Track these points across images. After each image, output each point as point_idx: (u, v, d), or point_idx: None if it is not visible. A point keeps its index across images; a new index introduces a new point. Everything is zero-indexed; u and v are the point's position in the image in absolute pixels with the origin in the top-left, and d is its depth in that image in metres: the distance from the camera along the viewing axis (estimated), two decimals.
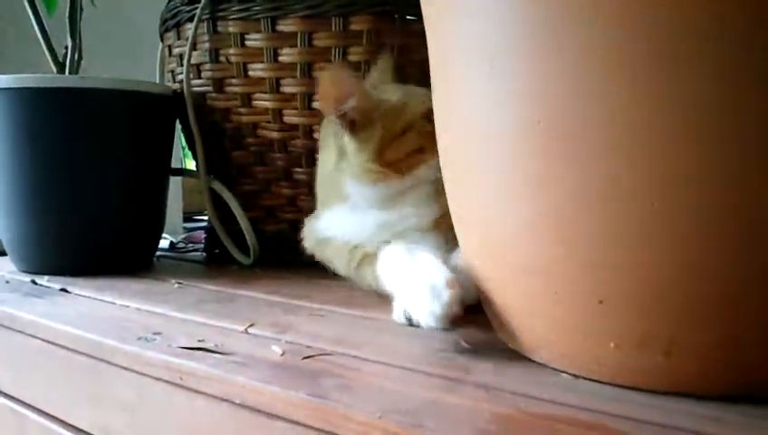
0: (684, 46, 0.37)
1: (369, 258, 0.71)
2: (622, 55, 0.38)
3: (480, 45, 0.46)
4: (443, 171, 0.58)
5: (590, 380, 0.46)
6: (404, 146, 0.73)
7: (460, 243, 0.59)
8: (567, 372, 0.48)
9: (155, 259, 1.04)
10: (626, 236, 0.41)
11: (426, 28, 0.55)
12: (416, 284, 0.55)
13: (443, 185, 0.75)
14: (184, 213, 1.74)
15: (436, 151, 0.64)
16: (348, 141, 0.73)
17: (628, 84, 0.39)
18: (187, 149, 1.36)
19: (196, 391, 0.51)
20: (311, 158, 0.88)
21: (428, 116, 0.70)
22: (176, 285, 0.84)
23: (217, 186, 0.96)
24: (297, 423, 0.45)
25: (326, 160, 0.79)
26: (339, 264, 0.76)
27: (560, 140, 0.42)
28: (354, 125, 0.72)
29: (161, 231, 1.03)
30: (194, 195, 1.99)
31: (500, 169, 0.47)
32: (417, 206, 0.75)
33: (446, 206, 0.74)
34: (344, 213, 0.76)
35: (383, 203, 0.74)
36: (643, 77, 0.38)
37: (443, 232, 0.73)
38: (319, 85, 0.71)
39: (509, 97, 0.44)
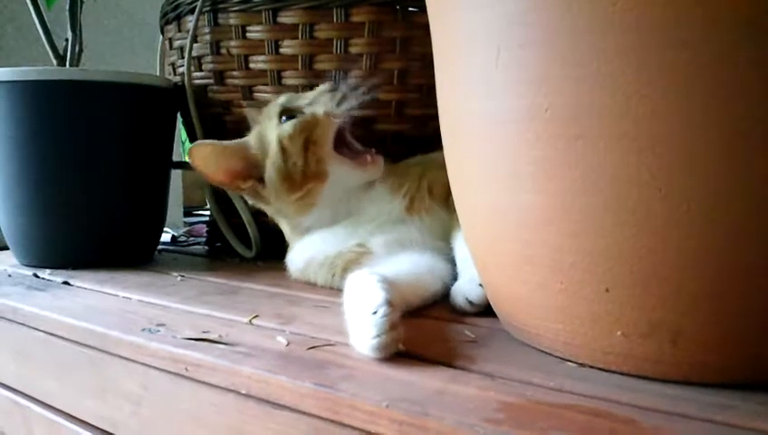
0: (693, 34, 0.37)
1: (352, 264, 0.71)
2: (634, 42, 0.38)
3: (486, 33, 0.45)
4: (446, 161, 0.58)
5: (596, 368, 0.46)
6: (295, 159, 0.75)
7: (464, 232, 0.59)
8: (573, 361, 0.48)
9: (156, 252, 1.04)
10: (633, 224, 0.41)
11: (429, 17, 0.55)
12: (353, 318, 0.53)
13: (405, 170, 0.78)
14: (184, 207, 1.74)
15: (323, 129, 0.73)
16: (267, 194, 0.77)
17: (636, 72, 0.38)
18: (186, 142, 1.36)
19: (202, 382, 0.51)
20: None
21: (283, 114, 0.76)
22: (178, 278, 0.84)
23: None
24: (303, 413, 0.46)
25: (275, 217, 0.83)
26: (321, 278, 0.76)
27: (567, 127, 0.41)
28: (261, 181, 0.77)
29: (163, 224, 1.03)
30: (194, 189, 1.99)
31: (505, 158, 0.47)
32: (379, 201, 0.76)
33: (414, 189, 0.75)
34: (313, 237, 0.78)
35: (341, 211, 0.77)
36: (654, 64, 0.38)
37: (417, 215, 0.74)
38: (197, 168, 0.76)
39: (516, 85, 0.44)
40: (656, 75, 0.38)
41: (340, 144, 0.77)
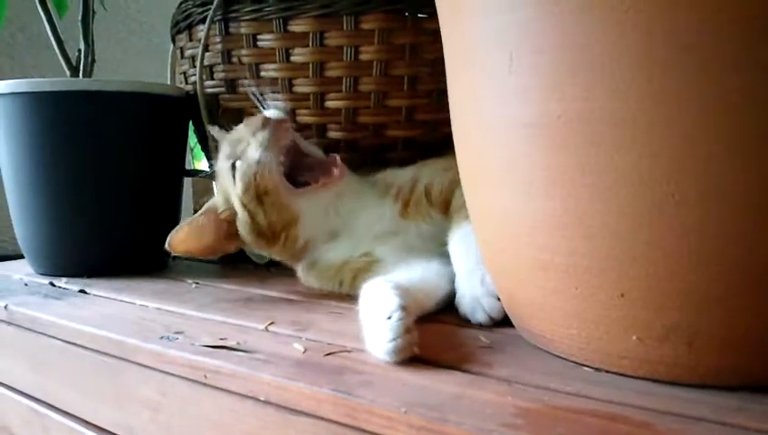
0: (706, 39, 0.37)
1: (362, 272, 0.71)
2: (647, 48, 0.39)
3: (498, 40, 0.46)
4: (459, 167, 0.58)
5: (611, 373, 0.47)
6: (259, 217, 0.74)
7: (477, 238, 0.59)
8: (588, 366, 0.48)
9: (170, 260, 1.04)
10: (647, 228, 0.41)
11: (441, 24, 0.56)
12: (368, 324, 0.54)
13: (393, 174, 0.79)
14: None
15: (263, 175, 0.72)
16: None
17: (649, 77, 0.39)
18: (196, 148, 1.37)
19: (221, 389, 0.52)
20: None
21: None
22: (193, 285, 0.85)
23: None
24: (321, 419, 0.46)
25: None
26: (326, 284, 0.77)
27: (580, 133, 0.42)
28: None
29: None
30: (204, 197, 2.01)
31: (518, 164, 0.47)
32: (370, 206, 0.77)
33: (407, 191, 0.76)
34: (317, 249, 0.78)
35: (335, 223, 0.77)
36: (667, 69, 0.38)
37: (414, 222, 0.75)
38: (184, 254, 0.78)
39: (529, 91, 0.44)
40: (669, 80, 0.39)
41: (300, 158, 0.77)
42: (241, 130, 0.77)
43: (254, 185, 0.72)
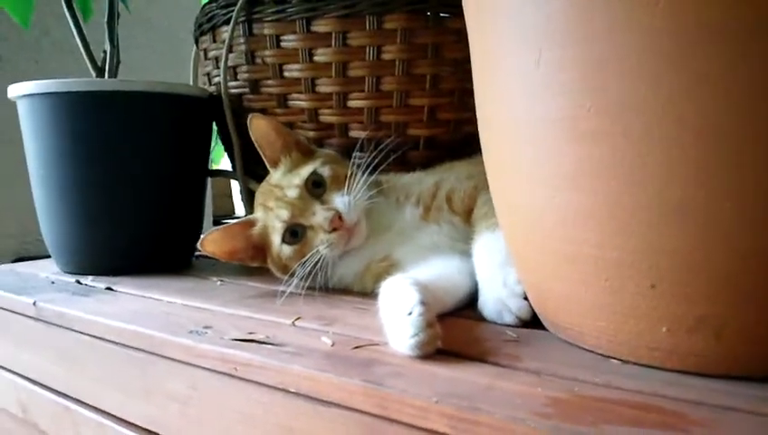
0: (739, 32, 0.37)
1: (382, 277, 0.69)
2: (678, 40, 0.39)
3: (527, 34, 0.46)
4: (485, 162, 0.58)
5: (640, 365, 0.47)
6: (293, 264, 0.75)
7: (504, 233, 0.60)
8: (617, 358, 0.48)
9: (194, 259, 1.05)
10: (677, 220, 0.41)
11: (467, 21, 0.56)
12: (389, 320, 0.54)
13: (409, 181, 0.80)
14: (213, 216, 1.76)
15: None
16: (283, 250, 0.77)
17: (679, 69, 0.39)
18: (214, 152, 1.38)
19: (251, 381, 0.53)
20: (346, 156, 0.89)
21: (288, 230, 0.76)
22: (218, 283, 0.86)
23: (254, 186, 0.98)
24: (352, 409, 0.46)
25: None
26: (348, 286, 0.79)
27: (610, 125, 0.42)
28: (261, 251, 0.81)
29: (200, 230, 1.04)
30: (223, 199, 2.02)
31: (547, 157, 0.47)
32: (389, 214, 0.78)
33: (428, 197, 0.77)
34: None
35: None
36: (698, 62, 0.38)
37: (436, 224, 0.76)
38: (212, 254, 0.79)
39: (558, 85, 0.44)
40: (700, 71, 0.39)
41: None
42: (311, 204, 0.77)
43: (302, 255, 0.75)
